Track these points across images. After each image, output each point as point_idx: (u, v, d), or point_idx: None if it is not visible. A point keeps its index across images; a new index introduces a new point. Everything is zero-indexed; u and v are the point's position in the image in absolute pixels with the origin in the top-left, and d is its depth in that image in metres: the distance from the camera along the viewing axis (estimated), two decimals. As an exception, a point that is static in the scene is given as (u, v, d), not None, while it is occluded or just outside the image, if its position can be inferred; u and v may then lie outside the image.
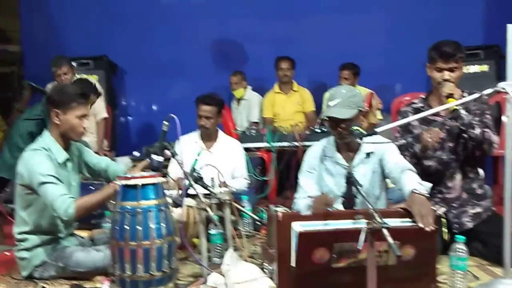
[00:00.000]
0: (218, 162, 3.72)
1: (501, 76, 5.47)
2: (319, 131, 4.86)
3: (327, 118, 2.79)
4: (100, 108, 5.13)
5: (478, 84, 4.64)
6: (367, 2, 6.36)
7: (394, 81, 6.36)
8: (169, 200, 2.52)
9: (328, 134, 3.02)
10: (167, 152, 2.75)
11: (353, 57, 5.64)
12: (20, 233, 2.74)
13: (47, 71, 5.84)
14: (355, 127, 2.41)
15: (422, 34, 5.73)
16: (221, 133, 4.20)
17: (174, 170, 3.43)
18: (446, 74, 2.85)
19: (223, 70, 6.30)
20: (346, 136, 2.77)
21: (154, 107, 6.88)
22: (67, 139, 2.79)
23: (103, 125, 5.09)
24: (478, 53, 5.56)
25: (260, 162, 5.13)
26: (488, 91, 2.38)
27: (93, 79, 5.81)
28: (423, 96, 3.12)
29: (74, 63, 5.22)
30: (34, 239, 2.73)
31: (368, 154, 2.81)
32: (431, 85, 3.04)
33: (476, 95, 2.42)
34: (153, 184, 2.35)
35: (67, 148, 2.81)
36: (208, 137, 4.09)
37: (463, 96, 2.81)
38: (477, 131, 2.78)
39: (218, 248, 2.94)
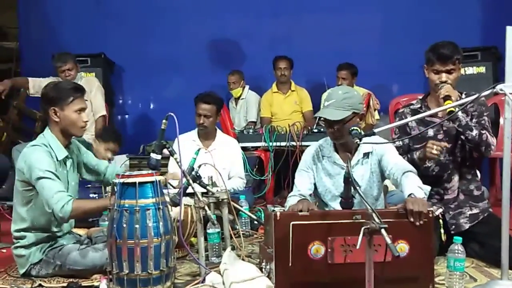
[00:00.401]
0: (216, 161, 3.73)
1: (498, 77, 5.51)
2: (316, 130, 4.88)
3: (320, 118, 2.80)
4: (99, 105, 5.13)
5: (475, 85, 4.68)
6: (365, 2, 6.38)
7: (392, 81, 6.39)
8: (167, 199, 2.52)
9: (325, 134, 3.02)
10: (165, 151, 2.75)
11: (351, 57, 5.66)
12: (17, 231, 2.73)
13: (44, 68, 5.84)
14: (354, 128, 2.40)
15: (419, 35, 5.76)
16: (219, 132, 4.21)
17: (173, 169, 3.43)
18: (444, 76, 2.86)
19: (220, 69, 6.32)
20: (338, 137, 2.77)
21: (152, 105, 6.88)
22: (68, 136, 2.78)
23: (101, 123, 5.09)
24: (475, 55, 5.59)
25: (258, 162, 5.14)
26: (486, 92, 2.38)
27: (91, 76, 5.82)
28: (421, 97, 3.12)
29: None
30: (31, 237, 2.72)
31: (366, 155, 2.82)
32: (429, 86, 3.04)
33: (473, 97, 2.43)
34: (151, 182, 2.35)
35: (67, 146, 2.80)
36: (206, 136, 4.09)
37: (461, 98, 2.82)
38: (474, 133, 2.79)
39: (216, 247, 2.95)
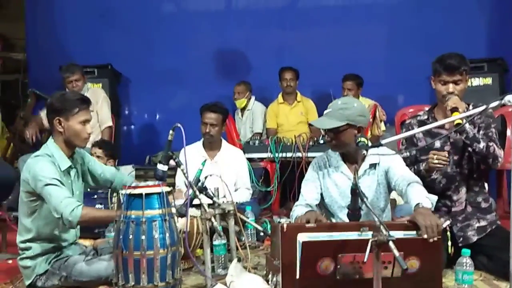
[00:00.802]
0: (222, 171, 3.73)
1: (504, 89, 5.51)
2: (322, 142, 4.86)
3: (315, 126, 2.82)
4: (105, 116, 5.16)
5: (482, 97, 4.66)
6: (371, 13, 6.40)
7: (398, 92, 6.38)
8: (173, 210, 2.51)
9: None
10: (172, 162, 2.75)
11: (356, 68, 5.66)
12: (23, 242, 2.73)
13: (51, 79, 5.89)
14: (360, 139, 2.40)
15: (425, 46, 5.76)
16: (224, 143, 4.21)
17: (181, 180, 3.43)
18: (451, 87, 2.85)
19: (226, 80, 6.33)
20: (333, 146, 2.80)
21: (157, 116, 6.89)
22: (71, 146, 2.79)
23: (108, 134, 5.11)
24: (482, 66, 5.58)
25: (264, 173, 5.13)
26: (494, 104, 2.37)
27: (97, 87, 5.85)
28: (428, 109, 3.11)
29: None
30: (37, 248, 2.72)
31: (373, 165, 2.81)
32: (435, 98, 3.04)
33: (481, 109, 2.42)
34: (158, 193, 2.35)
35: (71, 156, 2.81)
36: (212, 146, 4.09)
37: (468, 110, 2.80)
38: (482, 145, 2.77)
39: (222, 258, 2.93)
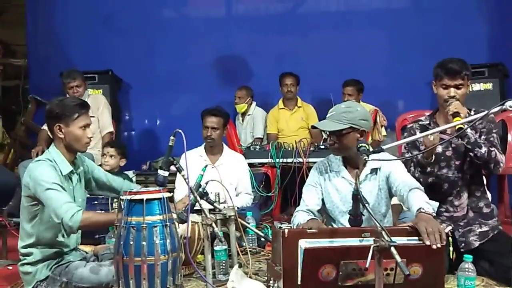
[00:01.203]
0: (223, 176, 3.73)
1: (505, 94, 5.51)
2: (323, 147, 4.86)
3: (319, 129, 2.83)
4: (106, 122, 5.17)
5: (482, 102, 4.67)
6: (371, 19, 6.41)
7: (399, 98, 6.38)
8: (174, 216, 2.51)
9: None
10: (173, 167, 2.75)
11: (357, 73, 5.66)
12: (24, 247, 2.72)
13: (52, 85, 5.89)
14: (362, 144, 2.39)
15: (426, 52, 5.77)
16: (226, 148, 4.21)
17: (181, 185, 3.42)
18: (452, 91, 2.85)
19: (227, 86, 6.33)
20: (335, 150, 2.80)
21: (158, 122, 6.89)
22: (73, 151, 2.78)
23: (108, 139, 5.11)
24: (482, 71, 5.58)
25: (264, 178, 5.12)
26: (495, 109, 2.37)
27: (98, 93, 5.85)
28: (429, 114, 3.11)
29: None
30: (38, 253, 2.71)
31: (374, 170, 2.80)
32: (436, 103, 3.03)
33: (482, 114, 2.41)
34: (158, 199, 2.34)
35: (73, 162, 2.80)
36: (213, 151, 4.10)
37: (469, 114, 2.81)
38: (483, 150, 2.77)
39: (223, 264, 2.92)
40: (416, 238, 2.26)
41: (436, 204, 2.57)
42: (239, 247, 2.96)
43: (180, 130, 2.57)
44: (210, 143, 4.04)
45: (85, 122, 2.75)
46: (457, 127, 2.57)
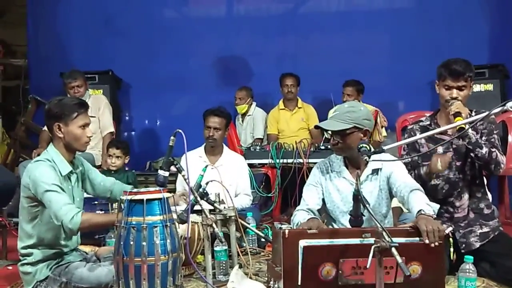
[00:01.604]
0: (223, 177, 3.72)
1: (506, 95, 5.50)
2: (323, 147, 4.86)
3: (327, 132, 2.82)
4: (107, 123, 5.17)
5: (483, 103, 4.66)
6: (372, 20, 6.41)
7: (399, 99, 6.38)
8: (175, 216, 2.50)
9: (332, 150, 3.02)
10: (173, 168, 2.74)
11: (357, 74, 5.66)
12: (24, 248, 2.72)
13: (52, 85, 5.88)
14: (362, 145, 2.39)
15: (427, 53, 5.77)
16: (226, 148, 4.21)
17: (180, 187, 3.41)
18: (455, 93, 2.84)
19: (227, 86, 6.33)
20: (339, 150, 2.80)
21: (158, 122, 6.88)
22: (72, 151, 2.77)
23: (109, 140, 5.10)
24: (483, 72, 5.57)
25: (264, 179, 5.12)
26: (496, 110, 2.37)
27: (99, 93, 5.85)
28: (430, 114, 3.11)
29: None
30: (38, 254, 2.70)
31: (375, 171, 2.80)
32: (436, 104, 3.03)
33: (484, 114, 2.41)
34: (159, 199, 2.33)
35: (71, 161, 2.80)
36: (214, 152, 4.09)
37: (471, 115, 2.80)
38: (484, 150, 2.76)
39: (223, 265, 2.92)
40: (417, 239, 2.26)
41: (437, 206, 2.56)
42: (239, 247, 2.95)
43: (180, 130, 2.57)
44: (211, 143, 4.04)
45: (84, 121, 2.74)
46: (458, 127, 2.57)
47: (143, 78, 6.59)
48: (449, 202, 2.94)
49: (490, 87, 5.59)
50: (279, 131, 5.84)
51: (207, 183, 2.85)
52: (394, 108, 6.17)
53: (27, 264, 2.71)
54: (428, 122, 3.04)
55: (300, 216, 2.77)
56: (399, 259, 1.89)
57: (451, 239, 2.88)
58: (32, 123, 6.07)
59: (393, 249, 1.91)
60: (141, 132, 6.87)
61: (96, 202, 3.85)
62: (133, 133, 6.92)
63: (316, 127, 2.91)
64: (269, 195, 5.03)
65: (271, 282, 2.44)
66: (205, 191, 2.82)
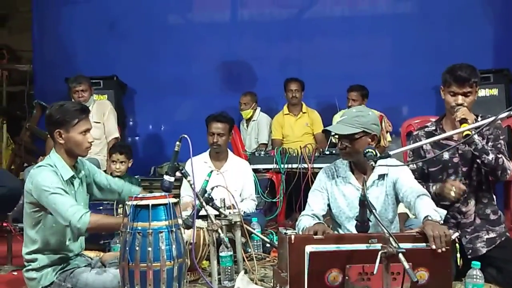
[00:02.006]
0: (228, 182, 3.72)
1: (511, 99, 5.48)
2: (328, 152, 4.85)
3: (332, 132, 2.82)
4: (112, 128, 5.17)
5: (488, 107, 4.65)
6: (376, 24, 6.41)
7: (404, 104, 6.37)
8: (180, 221, 2.50)
9: (336, 155, 3.02)
10: (178, 173, 2.74)
11: (362, 79, 5.65)
12: (29, 253, 2.72)
13: (57, 90, 5.90)
14: (368, 150, 2.38)
15: (431, 57, 5.76)
16: (230, 154, 4.21)
17: (186, 194, 3.40)
18: (460, 99, 2.82)
19: (231, 91, 6.34)
20: (347, 154, 2.78)
21: (163, 127, 6.89)
22: (73, 156, 2.77)
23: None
24: (488, 77, 5.56)
25: (269, 184, 5.11)
26: (503, 115, 2.35)
27: (104, 99, 5.87)
28: (436, 120, 3.09)
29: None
30: (43, 259, 2.70)
31: (381, 176, 2.79)
32: (441, 108, 3.02)
33: (490, 119, 2.40)
34: (164, 204, 2.33)
35: (74, 166, 2.79)
36: (218, 157, 4.09)
37: (476, 120, 2.79)
38: (491, 157, 2.74)
39: (229, 270, 2.91)
40: (424, 244, 2.25)
41: (444, 212, 2.54)
42: (244, 253, 2.94)
43: (186, 136, 2.57)
44: (216, 149, 4.03)
45: (85, 127, 2.74)
46: (464, 133, 2.55)
47: (148, 83, 6.61)
48: (456, 207, 2.92)
49: (495, 91, 5.58)
50: (283, 136, 5.83)
51: (212, 189, 2.85)
52: (399, 113, 6.16)
53: (32, 269, 2.70)
54: (434, 128, 3.03)
55: (305, 221, 2.76)
56: (406, 265, 1.88)
57: (457, 244, 2.86)
58: (37, 128, 6.08)
59: (400, 255, 1.90)
60: (146, 137, 6.87)
61: (101, 207, 3.85)
62: (137, 138, 6.92)
63: (325, 130, 2.90)
64: (274, 200, 5.03)
65: (277, 288, 2.43)
66: (210, 197, 2.82)
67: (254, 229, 3.46)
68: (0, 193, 3.80)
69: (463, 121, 2.66)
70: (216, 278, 2.66)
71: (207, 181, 2.87)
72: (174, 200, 2.40)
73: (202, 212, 2.71)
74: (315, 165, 4.79)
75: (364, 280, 2.13)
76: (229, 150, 4.23)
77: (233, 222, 2.84)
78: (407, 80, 6.11)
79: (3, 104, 7.43)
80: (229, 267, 2.92)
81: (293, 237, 2.25)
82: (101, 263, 2.94)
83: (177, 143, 2.68)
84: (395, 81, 6.29)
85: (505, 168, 2.77)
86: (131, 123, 6.86)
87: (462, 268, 2.83)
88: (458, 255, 2.86)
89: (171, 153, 2.73)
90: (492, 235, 2.89)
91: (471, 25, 6.07)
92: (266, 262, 3.44)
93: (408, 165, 2.93)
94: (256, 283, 2.69)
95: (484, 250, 2.86)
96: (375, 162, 2.30)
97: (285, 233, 2.33)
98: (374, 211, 2.16)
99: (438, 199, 2.82)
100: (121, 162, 4.36)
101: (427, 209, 2.42)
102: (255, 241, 3.61)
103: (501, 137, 2.88)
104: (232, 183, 3.83)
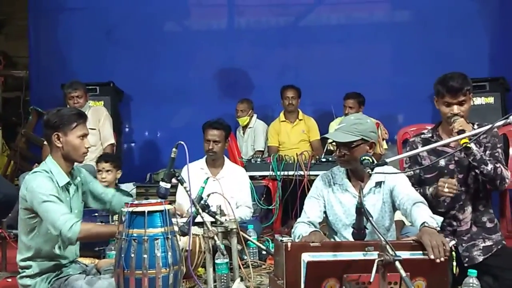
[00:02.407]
0: (224, 189, 3.71)
1: (506, 108, 5.51)
2: (324, 160, 4.85)
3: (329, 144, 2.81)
4: (107, 134, 5.16)
5: (484, 116, 4.66)
6: (372, 32, 6.44)
7: (399, 111, 6.40)
8: (176, 228, 2.49)
9: (333, 163, 3.02)
10: (174, 180, 2.73)
11: (358, 86, 5.67)
12: (23, 260, 2.70)
13: (53, 96, 5.89)
14: (365, 157, 2.38)
15: (428, 65, 5.79)
16: (227, 160, 4.20)
17: (181, 198, 3.39)
18: (455, 108, 2.81)
19: (228, 98, 6.35)
20: (345, 162, 2.78)
21: (159, 134, 6.89)
22: (70, 162, 2.76)
23: (110, 151, 5.09)
24: (484, 85, 5.60)
25: (265, 191, 5.10)
26: (500, 123, 2.35)
27: (99, 105, 5.86)
28: (432, 127, 3.09)
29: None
30: (37, 266, 2.67)
31: (378, 184, 2.79)
32: (437, 116, 3.01)
33: (486, 127, 2.40)
34: (160, 211, 2.32)
35: (70, 173, 2.78)
36: (214, 164, 4.08)
37: (473, 129, 2.78)
38: (490, 167, 2.73)
39: (224, 278, 2.89)
40: (420, 252, 2.24)
41: (441, 219, 2.53)
42: (240, 260, 2.93)
43: (182, 142, 2.56)
44: (212, 156, 4.03)
45: (83, 132, 2.74)
46: (463, 145, 2.54)
47: (144, 90, 6.61)
48: (452, 215, 2.91)
49: (491, 100, 5.61)
50: (279, 143, 5.83)
51: (208, 195, 2.84)
52: (395, 121, 6.19)
53: (26, 276, 2.68)
54: (430, 135, 3.02)
55: (301, 228, 2.75)
56: (403, 273, 1.87)
57: (453, 252, 2.85)
58: (33, 134, 6.07)
59: (397, 263, 1.89)
60: (142, 144, 6.87)
61: (96, 214, 3.82)
62: (133, 144, 6.92)
63: (324, 137, 2.90)
64: (270, 207, 5.02)
65: (273, 296, 2.41)
66: (206, 203, 2.81)
67: (250, 236, 3.45)
68: (-5, 199, 3.79)
69: (461, 133, 2.64)
70: (212, 286, 2.64)
71: (203, 188, 2.86)
72: (170, 206, 2.39)
73: (198, 219, 2.69)
74: (311, 172, 4.79)
75: (360, 288, 2.12)
76: (225, 157, 4.23)
77: (229, 229, 2.83)
78: (403, 88, 6.14)
79: (-2, 110, 7.42)
80: (225, 275, 2.89)
81: (289, 244, 2.24)
82: (96, 270, 2.91)
83: (174, 149, 2.68)
84: (391, 89, 6.31)
85: (503, 178, 2.76)
86: (127, 129, 6.85)
87: (458, 276, 2.83)
88: (454, 263, 2.86)
89: (167, 159, 2.72)
90: (488, 243, 2.88)
91: (468, 34, 6.11)
92: (262, 270, 3.41)
93: (405, 173, 2.92)
94: (252, 291, 2.67)
95: (480, 258, 2.85)
96: (372, 170, 2.29)
97: (281, 241, 2.32)
98: (370, 218, 2.15)
99: (435, 200, 2.82)
100: (107, 171, 4.20)
101: (424, 216, 2.41)
102: (251, 248, 3.59)
103: (498, 145, 2.87)
104: (228, 190, 3.81)
